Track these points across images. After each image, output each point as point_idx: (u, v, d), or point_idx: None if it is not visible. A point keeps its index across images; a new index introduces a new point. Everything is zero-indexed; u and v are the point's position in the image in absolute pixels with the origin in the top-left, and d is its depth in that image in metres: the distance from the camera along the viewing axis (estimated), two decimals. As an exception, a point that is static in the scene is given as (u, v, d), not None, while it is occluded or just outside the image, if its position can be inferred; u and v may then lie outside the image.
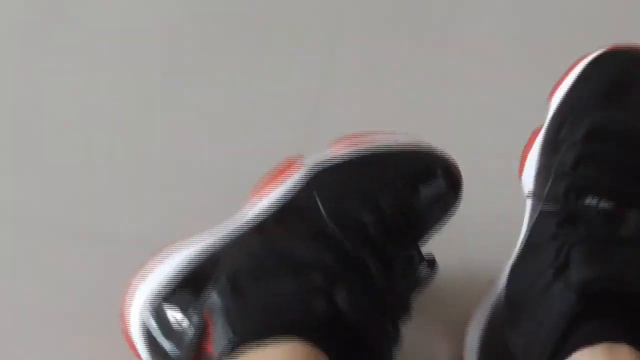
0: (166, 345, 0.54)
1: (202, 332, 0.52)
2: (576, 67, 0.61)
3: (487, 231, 0.69)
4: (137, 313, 0.56)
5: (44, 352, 0.62)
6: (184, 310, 0.53)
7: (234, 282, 0.52)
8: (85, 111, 0.76)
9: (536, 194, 0.58)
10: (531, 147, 0.62)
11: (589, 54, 0.61)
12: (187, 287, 0.55)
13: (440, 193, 0.59)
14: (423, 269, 0.57)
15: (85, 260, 0.66)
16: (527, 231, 0.57)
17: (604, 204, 0.52)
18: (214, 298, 0.52)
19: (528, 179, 0.60)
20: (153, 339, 0.55)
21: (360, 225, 0.56)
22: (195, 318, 0.52)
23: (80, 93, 0.77)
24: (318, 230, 0.55)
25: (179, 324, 0.53)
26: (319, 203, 0.57)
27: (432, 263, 0.58)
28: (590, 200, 0.53)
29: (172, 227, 0.64)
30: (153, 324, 0.55)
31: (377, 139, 0.61)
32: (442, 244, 0.61)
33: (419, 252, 0.58)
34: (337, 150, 0.61)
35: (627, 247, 0.51)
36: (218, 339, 0.50)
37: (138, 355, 0.57)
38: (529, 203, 0.59)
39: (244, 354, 0.48)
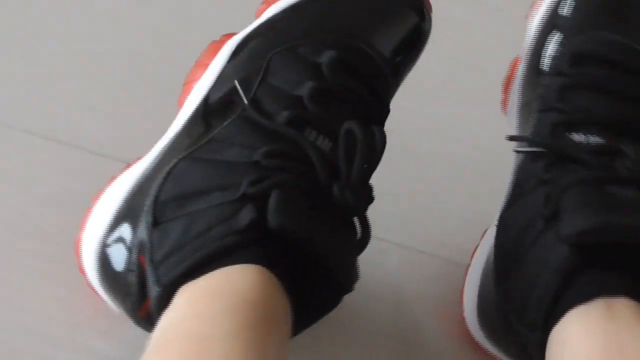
0: (111, 298, 0.49)
1: (143, 282, 0.45)
2: None
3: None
4: (86, 253, 0.50)
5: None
6: (125, 252, 0.47)
7: (156, 215, 0.45)
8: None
9: (520, 133, 0.53)
10: (512, 78, 0.55)
11: None
12: (124, 224, 0.48)
13: (402, 26, 0.52)
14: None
15: (54, 165, 0.62)
16: (513, 175, 0.51)
17: (596, 139, 0.47)
18: (142, 237, 0.45)
19: (512, 115, 0.54)
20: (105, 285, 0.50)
21: (293, 101, 0.47)
22: (134, 266, 0.46)
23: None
24: (243, 121, 0.47)
25: (120, 267, 0.47)
26: (239, 88, 0.48)
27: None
28: (580, 137, 0.47)
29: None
30: (98, 271, 0.49)
31: None
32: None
33: (385, 107, 0.50)
34: (260, 15, 0.52)
35: (624, 188, 0.45)
36: (150, 287, 0.44)
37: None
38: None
39: (175, 304, 0.41)
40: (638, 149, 0.47)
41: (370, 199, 0.46)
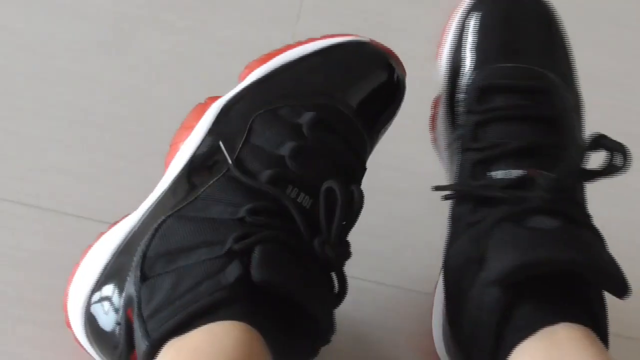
0: (97, 352, 0.50)
1: (130, 336, 0.46)
2: (451, 21, 0.56)
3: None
4: (72, 309, 0.51)
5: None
6: (112, 310, 0.49)
7: (144, 270, 0.46)
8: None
9: (448, 172, 0.54)
10: (435, 117, 0.57)
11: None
12: (112, 282, 0.49)
13: (376, 84, 0.54)
14: None
15: (35, 230, 0.63)
16: (449, 218, 0.53)
17: (517, 172, 0.48)
18: (130, 292, 0.46)
19: (441, 154, 0.56)
20: (93, 341, 0.51)
21: (275, 161, 0.49)
22: (122, 319, 0.47)
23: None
24: (228, 181, 0.49)
25: (108, 326, 0.49)
26: (224, 149, 0.50)
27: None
28: (500, 172, 0.49)
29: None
30: (85, 327, 0.51)
31: (287, 51, 0.54)
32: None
33: (362, 165, 0.53)
34: (242, 80, 0.54)
35: (541, 218, 0.47)
36: (138, 342, 0.45)
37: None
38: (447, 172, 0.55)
39: (163, 356, 0.43)
40: (561, 166, 0.48)
41: (347, 254, 0.48)
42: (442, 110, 0.56)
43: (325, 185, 0.46)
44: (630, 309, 0.60)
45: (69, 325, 0.52)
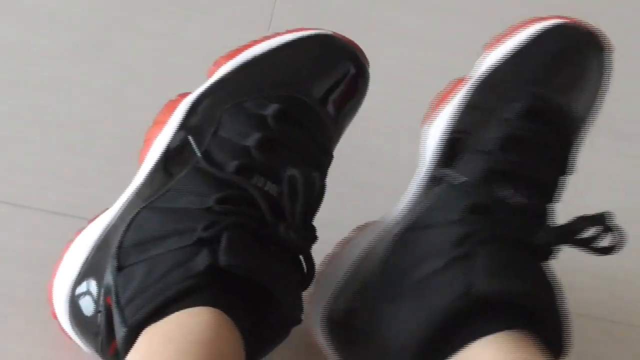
0: (82, 340, 0.52)
1: (110, 323, 0.48)
2: (525, 30, 0.54)
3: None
4: (58, 304, 0.53)
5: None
6: (93, 299, 0.50)
7: (120, 260, 0.48)
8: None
9: (442, 159, 0.53)
10: (448, 97, 0.55)
11: (542, 19, 0.55)
12: (92, 267, 0.51)
13: (339, 75, 0.55)
14: None
15: (16, 228, 0.64)
16: (421, 198, 0.53)
17: (519, 199, 0.49)
18: (108, 281, 0.48)
19: (434, 133, 0.55)
20: (77, 328, 0.52)
21: (241, 152, 0.51)
22: (102, 308, 0.49)
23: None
24: (197, 172, 0.50)
25: (89, 312, 0.51)
26: (192, 142, 0.52)
27: None
28: (506, 192, 0.49)
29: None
30: (69, 316, 0.52)
31: (253, 46, 0.56)
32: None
33: (327, 154, 0.54)
34: (211, 76, 0.56)
35: (531, 262, 0.48)
36: (116, 329, 0.47)
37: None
38: (427, 160, 0.54)
39: (137, 345, 0.44)
40: (565, 226, 0.49)
41: (313, 237, 0.50)
42: (469, 95, 0.54)
43: (287, 172, 0.48)
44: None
45: (55, 316, 0.54)
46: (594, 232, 0.49)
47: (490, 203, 0.49)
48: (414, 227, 0.52)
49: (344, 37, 0.57)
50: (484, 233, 0.48)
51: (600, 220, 0.49)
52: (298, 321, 0.49)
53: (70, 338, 0.54)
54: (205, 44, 0.79)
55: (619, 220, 0.50)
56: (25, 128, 0.70)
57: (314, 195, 0.48)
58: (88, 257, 0.52)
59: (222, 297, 0.45)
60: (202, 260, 0.45)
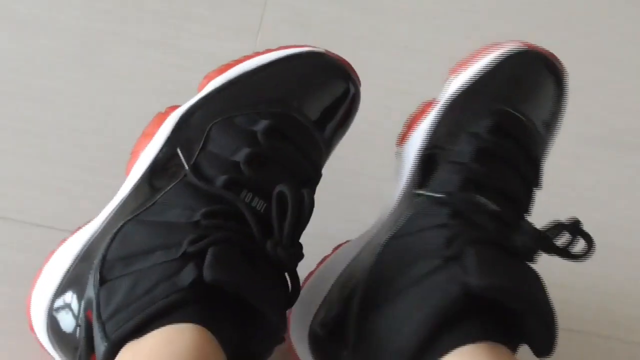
0: (59, 354, 0.51)
1: (90, 337, 0.47)
2: (488, 55, 0.58)
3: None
4: (36, 317, 0.52)
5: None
6: (73, 312, 0.50)
7: (103, 273, 0.47)
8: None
9: (419, 175, 0.55)
10: (420, 118, 0.57)
11: (502, 44, 0.58)
12: (73, 279, 0.51)
13: (332, 94, 0.55)
14: None
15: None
16: (402, 211, 0.53)
17: (492, 207, 0.50)
18: (89, 295, 0.47)
19: (410, 152, 0.57)
20: (54, 342, 0.51)
21: (230, 167, 0.50)
22: (81, 321, 0.48)
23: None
24: (185, 186, 0.50)
25: (69, 328, 0.50)
26: (181, 156, 0.51)
27: None
28: (483, 199, 0.50)
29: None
30: (47, 330, 0.51)
31: (245, 61, 0.55)
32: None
33: (316, 172, 0.54)
34: (201, 89, 0.55)
35: (516, 260, 0.49)
36: (97, 344, 0.46)
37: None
38: (404, 177, 0.56)
39: (120, 358, 0.44)
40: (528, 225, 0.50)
41: (300, 255, 0.49)
42: (439, 116, 0.56)
43: (277, 189, 0.47)
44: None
45: (32, 329, 0.53)
46: (567, 238, 0.50)
47: (470, 209, 0.50)
48: (399, 234, 0.52)
49: (336, 55, 0.57)
50: (469, 235, 0.48)
51: (573, 227, 0.50)
52: (281, 340, 0.48)
53: (47, 352, 0.53)
54: (194, 54, 0.79)
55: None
56: (8, 138, 0.69)
57: (303, 213, 0.48)
58: (69, 268, 0.51)
59: (207, 314, 0.45)
60: (187, 275, 0.45)
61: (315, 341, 0.54)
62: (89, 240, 0.52)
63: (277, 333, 0.47)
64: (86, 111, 0.73)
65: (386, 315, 0.48)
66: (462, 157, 0.53)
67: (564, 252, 0.50)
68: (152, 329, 0.44)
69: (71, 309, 0.50)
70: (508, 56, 0.57)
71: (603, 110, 0.85)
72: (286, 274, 0.49)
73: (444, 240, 0.49)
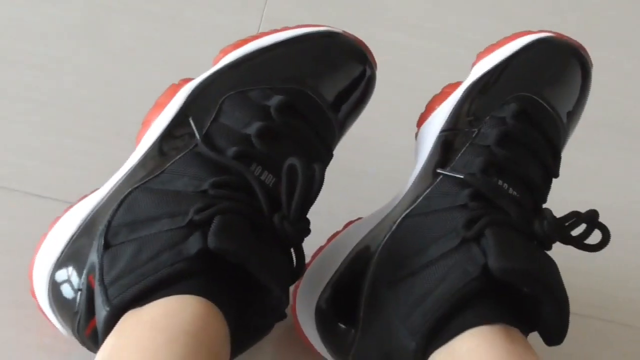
0: (59, 320, 0.51)
1: (90, 302, 0.47)
2: (515, 41, 0.58)
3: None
4: (38, 281, 0.52)
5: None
6: (74, 278, 0.49)
7: (108, 239, 0.47)
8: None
9: (440, 155, 0.54)
10: (444, 100, 0.57)
11: (531, 32, 0.58)
12: (75, 252, 0.50)
13: (348, 76, 0.55)
14: None
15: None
16: (419, 190, 0.53)
17: (513, 192, 0.50)
18: (93, 260, 0.47)
19: (430, 132, 0.57)
20: (55, 308, 0.51)
21: (241, 139, 0.50)
22: (83, 285, 0.48)
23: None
24: (195, 156, 0.50)
25: (70, 295, 0.49)
26: (193, 126, 0.51)
27: None
28: (503, 184, 0.50)
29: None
30: (49, 295, 0.51)
31: (262, 37, 0.55)
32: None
33: (328, 151, 0.54)
34: (216, 63, 0.55)
35: (534, 246, 0.49)
36: (98, 308, 0.45)
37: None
38: (422, 157, 0.55)
39: (120, 329, 0.43)
40: (559, 219, 0.50)
41: (306, 230, 0.49)
42: (462, 98, 0.56)
43: (288, 162, 0.47)
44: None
45: (33, 294, 0.52)
46: (584, 229, 0.50)
47: (491, 192, 0.50)
48: (416, 213, 0.52)
49: (353, 36, 0.56)
50: (489, 217, 0.48)
51: (590, 218, 0.50)
52: (283, 315, 0.48)
53: (47, 317, 0.52)
54: (200, 26, 0.79)
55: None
56: (11, 106, 0.69)
57: (313, 187, 0.47)
58: (74, 235, 0.50)
59: (211, 286, 0.44)
60: (193, 244, 0.44)
61: (322, 318, 0.53)
62: (95, 207, 0.51)
63: (279, 308, 0.47)
64: (90, 82, 0.72)
65: (400, 293, 0.48)
66: (485, 140, 0.53)
67: (580, 243, 0.50)
68: (155, 297, 0.43)
69: (74, 272, 0.49)
70: (536, 44, 0.57)
71: (613, 94, 0.84)
72: (292, 249, 0.49)
73: (463, 220, 0.48)
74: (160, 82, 0.55)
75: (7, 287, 0.57)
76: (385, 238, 0.51)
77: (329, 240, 0.57)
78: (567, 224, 0.50)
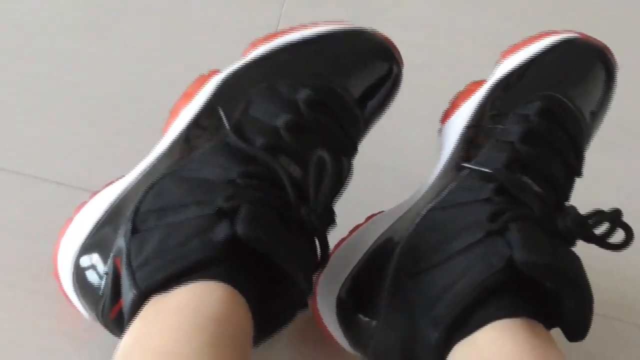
0: (82, 303, 0.51)
1: (116, 285, 0.47)
2: (541, 41, 0.58)
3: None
4: (63, 264, 0.52)
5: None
6: (99, 264, 0.50)
7: (136, 223, 0.47)
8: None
9: (463, 151, 0.55)
10: (468, 97, 0.58)
11: (557, 32, 0.59)
12: (101, 238, 0.50)
13: (376, 74, 0.55)
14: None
15: (19, 198, 0.63)
16: (443, 184, 0.54)
17: (536, 188, 0.51)
18: (120, 244, 0.47)
19: (454, 128, 0.57)
20: (79, 292, 0.52)
21: (270, 131, 0.50)
22: (109, 269, 0.48)
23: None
24: (224, 146, 0.50)
25: (94, 280, 0.50)
26: (223, 116, 0.51)
27: None
28: (527, 180, 0.51)
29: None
30: (73, 279, 0.51)
31: (292, 32, 0.55)
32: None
33: (354, 146, 0.54)
34: (246, 55, 0.55)
35: (559, 242, 0.49)
36: (125, 292, 0.46)
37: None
38: (448, 153, 0.56)
39: (145, 314, 0.43)
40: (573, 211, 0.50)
41: (332, 221, 0.49)
42: (487, 95, 0.57)
43: (317, 153, 0.47)
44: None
45: (56, 276, 0.53)
46: (607, 228, 0.50)
47: (515, 187, 0.50)
48: (439, 207, 0.52)
49: (381, 34, 0.57)
50: (514, 211, 0.48)
51: (614, 217, 0.50)
52: (306, 305, 0.48)
53: (69, 299, 0.53)
54: (218, 21, 0.79)
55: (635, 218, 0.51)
56: (32, 97, 0.69)
57: (341, 179, 0.48)
58: (99, 221, 0.51)
59: (237, 273, 0.45)
60: (221, 231, 0.45)
61: (343, 309, 0.54)
62: (121, 194, 0.52)
63: (302, 297, 0.47)
64: (108, 73, 0.73)
65: (424, 284, 0.48)
66: (509, 136, 0.53)
67: (603, 241, 0.50)
68: (182, 283, 0.44)
69: (100, 256, 0.50)
70: (561, 44, 0.57)
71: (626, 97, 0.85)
72: (317, 240, 0.49)
73: (488, 214, 0.49)
74: (178, 75, 0.56)
75: (25, 272, 0.57)
76: (409, 230, 0.52)
77: (351, 232, 0.57)
78: (590, 221, 0.50)
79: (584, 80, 0.57)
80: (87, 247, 0.51)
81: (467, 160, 0.54)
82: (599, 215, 0.50)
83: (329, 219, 0.49)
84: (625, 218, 0.51)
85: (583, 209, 0.51)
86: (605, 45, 0.58)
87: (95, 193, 0.54)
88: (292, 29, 0.56)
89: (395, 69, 0.57)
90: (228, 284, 0.44)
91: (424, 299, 0.48)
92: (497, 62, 0.59)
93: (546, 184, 0.51)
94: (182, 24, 0.78)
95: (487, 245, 0.47)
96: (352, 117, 0.54)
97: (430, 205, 0.53)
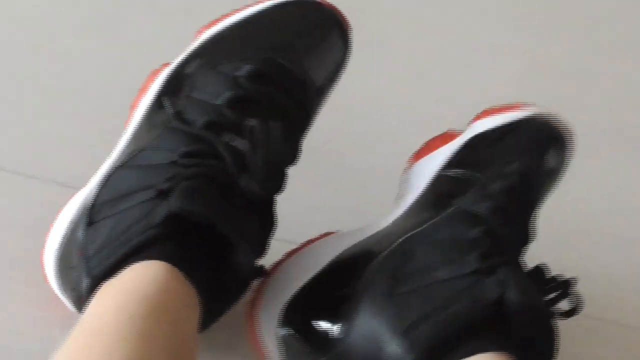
0: (69, 302, 0.53)
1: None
2: (512, 112, 0.58)
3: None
4: (47, 267, 0.54)
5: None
6: (75, 255, 0.51)
7: (92, 217, 0.50)
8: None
9: (447, 189, 0.56)
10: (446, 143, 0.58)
11: (525, 106, 0.58)
12: (73, 236, 0.52)
13: (322, 41, 0.56)
14: None
15: (23, 198, 0.64)
16: (425, 215, 0.55)
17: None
18: (78, 236, 0.50)
19: (428, 167, 0.58)
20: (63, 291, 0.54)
21: (212, 110, 0.52)
22: (75, 262, 0.50)
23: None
24: (169, 130, 0.52)
25: (73, 272, 0.51)
26: (169, 105, 0.53)
27: None
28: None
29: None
30: (55, 268, 0.54)
31: (235, 13, 0.57)
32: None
33: (307, 115, 0.55)
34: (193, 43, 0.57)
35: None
36: (81, 280, 0.48)
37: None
38: (419, 185, 0.57)
39: (94, 297, 0.45)
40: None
41: (277, 188, 0.51)
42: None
43: (248, 123, 0.49)
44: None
45: (46, 279, 0.55)
46: (555, 295, 0.51)
47: (504, 236, 0.52)
48: (422, 236, 0.53)
49: (326, 2, 0.57)
50: (503, 257, 0.50)
51: (564, 286, 0.51)
52: (258, 272, 0.50)
53: (57, 294, 0.55)
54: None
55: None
56: (32, 96, 0.71)
57: (273, 145, 0.49)
58: (73, 220, 0.53)
59: (179, 251, 0.46)
60: (160, 211, 0.47)
61: (295, 318, 0.53)
62: (89, 194, 0.53)
63: (251, 265, 0.49)
64: (107, 73, 0.74)
65: (402, 305, 0.49)
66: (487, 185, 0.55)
67: (552, 306, 0.51)
68: (128, 266, 0.46)
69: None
70: (526, 119, 0.58)
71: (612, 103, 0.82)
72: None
73: (477, 254, 0.50)
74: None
75: (28, 267, 0.58)
76: (386, 252, 0.52)
77: (304, 245, 0.57)
78: (546, 287, 0.51)
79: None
80: (62, 245, 0.53)
81: (453, 198, 0.54)
82: (554, 283, 0.51)
83: (275, 186, 0.50)
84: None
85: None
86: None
87: (72, 196, 0.55)
88: (235, 11, 0.57)
89: (342, 33, 0.57)
90: (168, 261, 0.45)
91: (402, 320, 0.48)
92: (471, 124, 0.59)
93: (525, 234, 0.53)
94: (190, 24, 0.79)
95: (477, 280, 0.48)
96: (302, 86, 0.55)
97: (411, 233, 0.53)
